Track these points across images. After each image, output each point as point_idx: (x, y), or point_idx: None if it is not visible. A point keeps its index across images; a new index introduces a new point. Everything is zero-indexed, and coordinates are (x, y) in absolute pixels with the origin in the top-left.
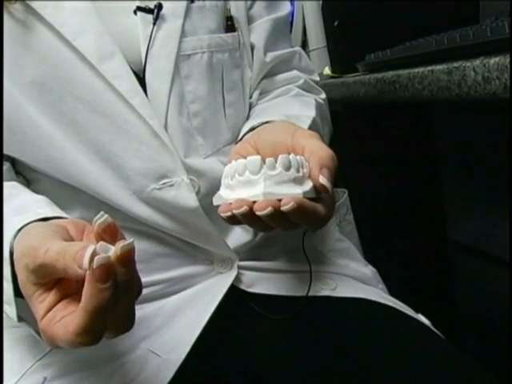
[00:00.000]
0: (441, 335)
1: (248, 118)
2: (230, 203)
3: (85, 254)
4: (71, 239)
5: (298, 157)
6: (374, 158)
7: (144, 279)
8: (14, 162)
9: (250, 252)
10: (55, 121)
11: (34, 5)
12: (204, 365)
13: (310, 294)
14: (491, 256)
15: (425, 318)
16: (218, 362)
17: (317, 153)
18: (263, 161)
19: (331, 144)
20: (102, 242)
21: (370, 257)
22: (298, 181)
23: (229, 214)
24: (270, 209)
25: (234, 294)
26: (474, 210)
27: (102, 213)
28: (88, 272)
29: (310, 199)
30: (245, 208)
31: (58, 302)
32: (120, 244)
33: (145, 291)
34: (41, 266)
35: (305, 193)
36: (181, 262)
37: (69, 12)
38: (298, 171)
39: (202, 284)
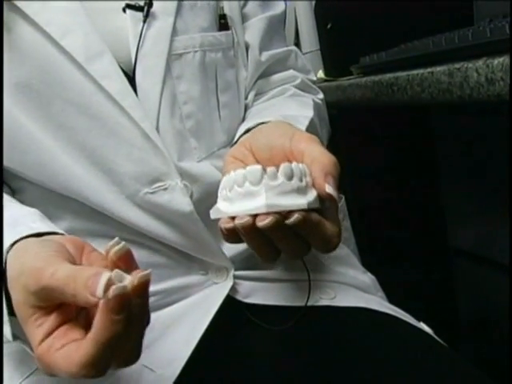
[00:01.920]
0: (443, 343)
1: (244, 119)
2: (232, 217)
3: (99, 281)
4: (73, 259)
5: (300, 165)
6: (371, 162)
7: None
8: None
9: (246, 261)
10: (43, 124)
11: (17, 1)
12: (200, 379)
13: (309, 303)
14: (492, 262)
15: (426, 326)
16: (215, 376)
17: (319, 159)
18: (264, 170)
19: (327, 148)
20: (117, 270)
21: (368, 264)
22: (301, 191)
23: (230, 225)
24: (271, 218)
25: (231, 305)
26: (475, 216)
27: (116, 239)
28: (101, 301)
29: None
30: (247, 219)
31: (57, 327)
32: (138, 274)
33: None
34: (45, 288)
35: (309, 203)
36: (175, 273)
37: (55, 10)
38: (300, 180)
39: (196, 295)
